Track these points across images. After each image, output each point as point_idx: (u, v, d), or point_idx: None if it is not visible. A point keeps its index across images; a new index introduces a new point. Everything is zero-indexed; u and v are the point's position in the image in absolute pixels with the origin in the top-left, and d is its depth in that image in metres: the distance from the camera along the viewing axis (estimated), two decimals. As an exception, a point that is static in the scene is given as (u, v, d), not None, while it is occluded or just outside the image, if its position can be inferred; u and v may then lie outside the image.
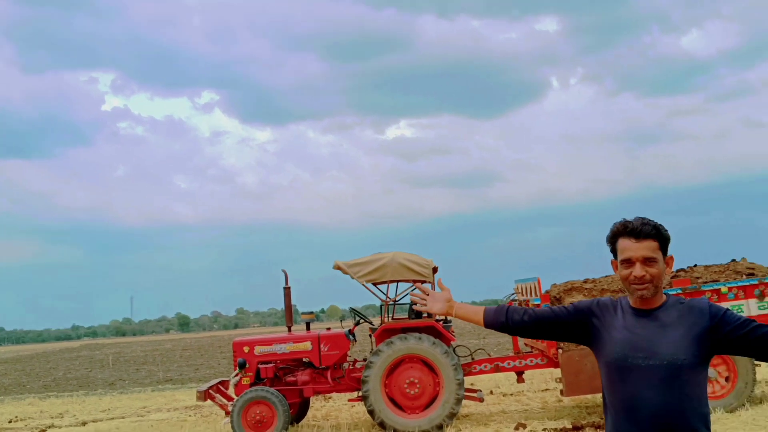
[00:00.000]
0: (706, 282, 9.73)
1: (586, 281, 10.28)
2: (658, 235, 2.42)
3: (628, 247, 2.42)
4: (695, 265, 10.66)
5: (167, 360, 32.46)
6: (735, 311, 2.39)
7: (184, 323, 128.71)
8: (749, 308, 9.22)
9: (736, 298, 9.28)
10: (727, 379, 9.22)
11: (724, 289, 9.32)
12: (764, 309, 9.30)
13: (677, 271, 10.54)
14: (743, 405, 8.94)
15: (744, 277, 9.63)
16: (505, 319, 2.69)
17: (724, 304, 9.04)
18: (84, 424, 12.39)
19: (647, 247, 2.40)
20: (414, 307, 2.90)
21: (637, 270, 2.38)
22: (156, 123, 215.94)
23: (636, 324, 2.44)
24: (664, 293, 2.49)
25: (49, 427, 12.14)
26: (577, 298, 9.95)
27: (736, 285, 9.38)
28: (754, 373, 9.31)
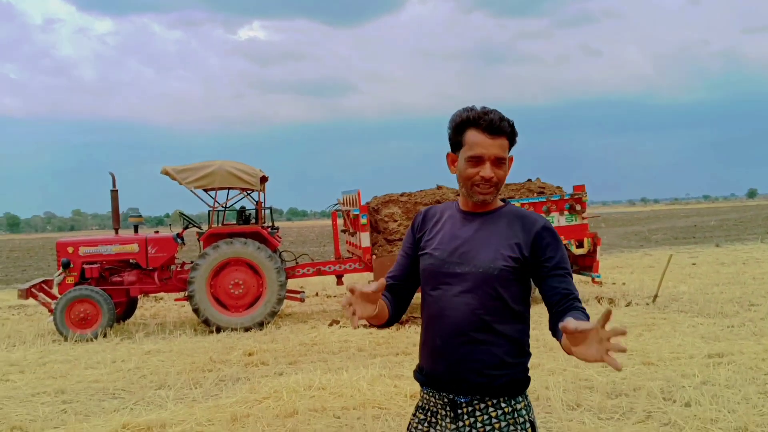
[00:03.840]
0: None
1: (402, 194, 11.23)
2: (512, 133, 2.11)
3: (481, 142, 2.06)
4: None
5: (-9, 262, 30.62)
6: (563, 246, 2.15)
7: (13, 224, 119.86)
8: (536, 222, 10.62)
9: (527, 213, 10.63)
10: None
11: (517, 205, 10.62)
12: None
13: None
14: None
15: (535, 194, 11.04)
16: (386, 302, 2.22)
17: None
18: None
19: (500, 146, 2.07)
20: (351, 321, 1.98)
21: (487, 170, 2.07)
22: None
23: (461, 228, 2.17)
24: (502, 200, 2.23)
25: None
26: (393, 210, 10.90)
27: (528, 201, 10.74)
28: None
